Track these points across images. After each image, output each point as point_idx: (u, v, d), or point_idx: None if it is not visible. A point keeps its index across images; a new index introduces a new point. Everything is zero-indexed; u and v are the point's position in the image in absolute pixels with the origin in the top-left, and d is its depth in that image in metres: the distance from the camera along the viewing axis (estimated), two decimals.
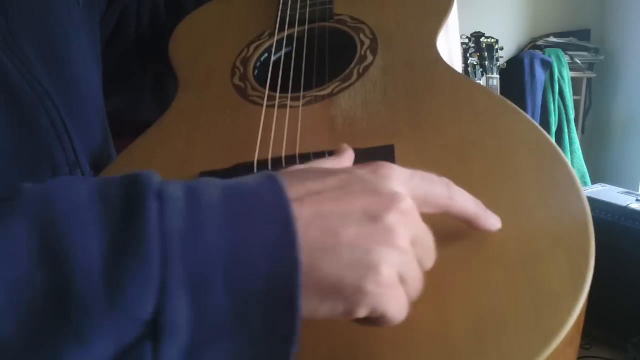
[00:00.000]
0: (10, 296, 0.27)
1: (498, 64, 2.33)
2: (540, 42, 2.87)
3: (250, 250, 0.30)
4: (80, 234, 0.29)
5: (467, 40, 2.34)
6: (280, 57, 0.65)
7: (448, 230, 0.40)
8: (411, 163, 0.47)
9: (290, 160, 0.50)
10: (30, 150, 0.53)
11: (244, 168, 0.51)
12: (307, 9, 0.69)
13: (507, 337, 0.35)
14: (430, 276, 0.35)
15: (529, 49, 2.87)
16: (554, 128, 2.70)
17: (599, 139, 2.97)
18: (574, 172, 0.44)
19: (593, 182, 2.56)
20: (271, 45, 0.66)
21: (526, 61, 2.66)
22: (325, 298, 0.31)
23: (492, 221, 0.40)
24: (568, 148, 2.69)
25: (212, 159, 0.54)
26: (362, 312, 0.32)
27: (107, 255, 0.28)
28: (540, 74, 2.67)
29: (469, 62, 2.29)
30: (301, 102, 0.57)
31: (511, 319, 0.36)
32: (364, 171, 0.35)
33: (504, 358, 0.34)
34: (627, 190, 1.31)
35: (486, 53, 2.32)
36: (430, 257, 0.35)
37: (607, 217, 1.21)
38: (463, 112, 0.52)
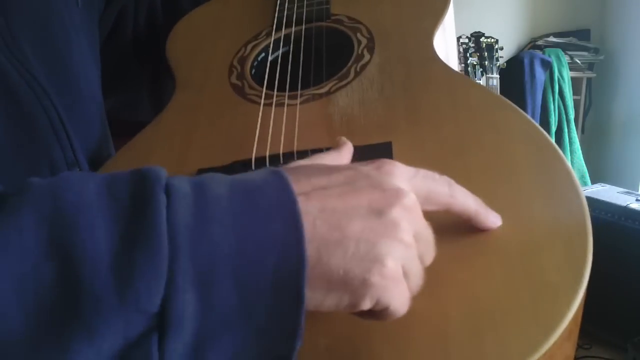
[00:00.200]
0: (18, 288, 0.28)
1: (498, 64, 2.33)
2: (540, 42, 2.88)
3: (257, 245, 0.30)
4: (89, 227, 0.29)
5: (467, 40, 2.34)
6: (277, 56, 0.65)
7: (447, 225, 0.40)
8: (409, 159, 0.47)
9: (288, 157, 0.51)
10: (29, 149, 0.53)
11: (242, 166, 0.51)
12: (304, 9, 0.69)
13: (507, 332, 0.35)
14: (429, 270, 0.36)
15: (529, 49, 2.87)
16: (554, 128, 2.70)
17: (599, 139, 2.97)
18: (571, 168, 0.45)
19: (593, 182, 2.55)
20: (268, 45, 0.66)
21: (526, 61, 2.66)
22: (331, 291, 0.32)
23: (493, 219, 0.40)
24: (568, 148, 2.69)
25: (210, 156, 0.54)
26: (366, 305, 0.32)
27: (116, 249, 0.29)
28: (540, 74, 2.67)
29: (469, 62, 2.29)
30: (299, 100, 0.57)
31: (510, 313, 0.36)
32: (368, 168, 0.35)
33: (503, 352, 0.34)
34: (627, 190, 1.31)
35: (486, 53, 2.32)
36: (430, 253, 0.36)
37: (607, 217, 1.21)
38: (460, 108, 0.52)
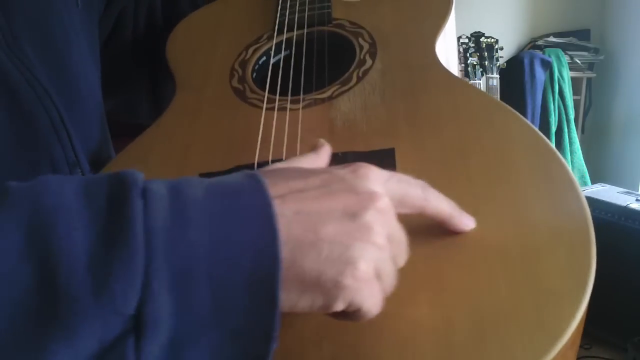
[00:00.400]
0: None
1: (498, 64, 2.33)
2: (540, 42, 2.87)
3: (233, 247, 0.31)
4: (66, 230, 0.29)
5: (467, 40, 2.34)
6: (279, 60, 0.65)
7: (449, 232, 0.41)
8: (411, 165, 0.48)
9: None
10: (30, 149, 0.53)
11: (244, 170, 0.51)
12: (306, 13, 0.69)
13: (511, 341, 0.35)
14: (432, 277, 0.36)
15: (529, 49, 2.87)
16: (554, 128, 2.70)
17: (599, 139, 2.97)
18: (571, 171, 0.45)
19: (593, 182, 2.56)
20: (270, 49, 0.66)
21: (526, 61, 2.66)
22: (304, 292, 0.32)
23: (466, 221, 0.41)
24: (568, 148, 2.69)
25: (211, 160, 0.54)
26: (339, 306, 0.33)
27: (93, 251, 0.29)
28: (540, 74, 2.67)
29: (469, 62, 2.29)
30: (301, 105, 0.57)
31: (515, 323, 0.36)
32: (344, 171, 0.36)
33: None
34: (627, 190, 1.31)
35: (486, 53, 2.32)
36: (403, 255, 0.37)
37: (607, 217, 1.21)
38: (461, 114, 0.52)
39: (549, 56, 2.72)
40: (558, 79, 2.71)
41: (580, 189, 0.43)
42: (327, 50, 0.64)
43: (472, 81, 2.23)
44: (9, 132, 0.51)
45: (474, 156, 0.47)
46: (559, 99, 2.73)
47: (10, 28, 0.54)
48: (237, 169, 0.52)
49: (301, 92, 0.58)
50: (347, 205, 0.34)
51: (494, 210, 0.43)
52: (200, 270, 0.30)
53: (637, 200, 1.22)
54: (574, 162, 2.68)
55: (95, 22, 0.72)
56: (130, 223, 0.30)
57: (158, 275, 0.29)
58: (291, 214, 0.33)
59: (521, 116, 0.51)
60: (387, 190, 0.36)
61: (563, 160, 0.46)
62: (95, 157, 0.61)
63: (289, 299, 0.32)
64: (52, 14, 0.60)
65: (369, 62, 0.61)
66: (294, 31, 0.68)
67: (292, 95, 0.58)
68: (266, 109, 0.57)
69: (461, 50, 2.30)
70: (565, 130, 2.71)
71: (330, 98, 0.57)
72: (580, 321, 0.36)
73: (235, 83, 0.63)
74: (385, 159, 0.49)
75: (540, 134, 0.48)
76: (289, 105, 0.57)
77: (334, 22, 0.68)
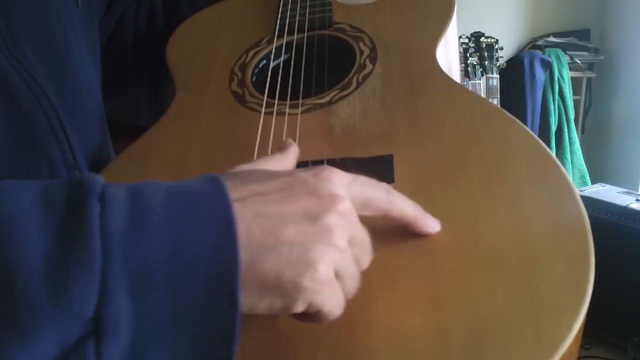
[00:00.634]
0: None
1: (498, 64, 2.33)
2: (540, 42, 2.87)
3: (191, 250, 0.31)
4: (22, 235, 0.29)
5: (467, 40, 2.34)
6: (279, 64, 0.65)
7: (445, 239, 0.41)
8: (410, 171, 0.48)
9: None
10: (28, 151, 0.53)
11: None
12: (307, 17, 0.69)
13: (509, 352, 0.35)
14: (429, 286, 0.36)
15: (529, 49, 2.87)
16: (554, 128, 2.70)
17: (599, 139, 2.97)
18: (570, 179, 0.45)
19: (593, 182, 2.56)
20: (270, 52, 0.66)
21: (526, 61, 2.66)
22: (264, 294, 0.32)
23: (431, 224, 0.42)
24: (568, 148, 2.69)
25: (210, 164, 0.54)
26: (299, 308, 0.33)
27: (50, 256, 0.29)
28: (540, 74, 2.66)
29: (469, 62, 2.28)
30: (300, 109, 0.57)
31: (512, 333, 0.36)
32: (307, 174, 0.36)
33: None
34: (627, 190, 1.31)
35: (486, 53, 2.32)
36: (366, 257, 0.37)
37: (607, 217, 1.21)
38: (461, 120, 0.52)
39: (549, 56, 2.72)
40: (558, 79, 2.71)
41: (579, 196, 0.43)
42: (328, 55, 0.64)
43: (472, 81, 2.23)
44: (7, 134, 0.51)
45: (473, 163, 0.47)
46: (559, 99, 2.72)
47: (10, 29, 0.54)
48: None
49: (300, 97, 0.58)
50: (308, 207, 0.34)
51: (492, 217, 0.42)
52: (158, 274, 0.30)
53: (637, 200, 1.22)
54: (574, 162, 2.68)
55: (95, 23, 0.72)
56: (87, 228, 0.30)
57: (115, 279, 0.29)
58: (251, 217, 0.33)
59: (520, 123, 0.51)
60: (350, 193, 0.36)
61: (562, 167, 0.46)
62: (94, 159, 0.61)
63: (249, 300, 0.32)
64: (52, 15, 0.60)
65: (369, 66, 0.61)
66: (294, 35, 0.67)
67: (291, 99, 0.58)
68: (265, 113, 0.57)
69: (461, 50, 2.29)
70: (565, 130, 2.71)
71: (330, 103, 0.57)
72: (578, 332, 0.36)
73: (234, 87, 0.63)
74: (383, 166, 0.49)
75: (539, 140, 0.48)
76: (287, 110, 0.57)
77: (335, 26, 0.68)
